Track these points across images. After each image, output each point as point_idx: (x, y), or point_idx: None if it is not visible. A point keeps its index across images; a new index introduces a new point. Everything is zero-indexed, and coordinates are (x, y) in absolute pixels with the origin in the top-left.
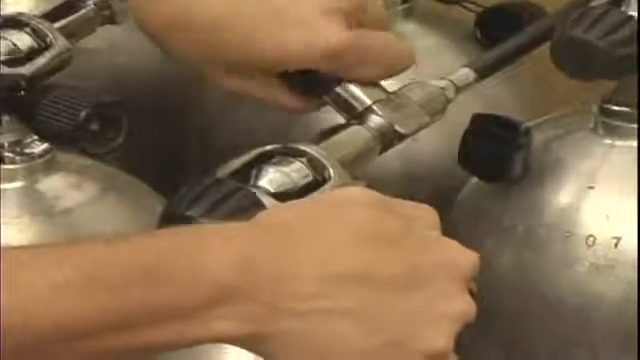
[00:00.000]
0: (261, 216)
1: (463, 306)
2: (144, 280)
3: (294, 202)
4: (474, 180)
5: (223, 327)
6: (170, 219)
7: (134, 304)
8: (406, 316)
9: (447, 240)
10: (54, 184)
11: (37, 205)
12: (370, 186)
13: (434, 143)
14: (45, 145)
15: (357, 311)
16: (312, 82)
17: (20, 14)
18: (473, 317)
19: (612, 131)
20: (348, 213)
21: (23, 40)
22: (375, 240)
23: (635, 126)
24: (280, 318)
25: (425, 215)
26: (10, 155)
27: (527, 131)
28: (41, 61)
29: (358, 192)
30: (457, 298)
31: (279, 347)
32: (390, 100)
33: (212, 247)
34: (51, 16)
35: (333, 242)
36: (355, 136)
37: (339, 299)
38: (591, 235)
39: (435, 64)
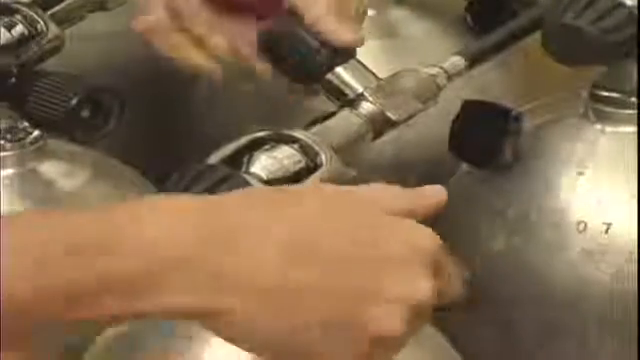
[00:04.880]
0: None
1: (421, 291)
2: (95, 249)
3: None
4: (465, 166)
5: (173, 300)
6: None
7: (83, 273)
8: (356, 295)
9: (407, 221)
10: (45, 171)
11: (28, 192)
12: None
13: (426, 129)
14: (36, 132)
15: (310, 286)
16: (303, 69)
17: (11, 1)
18: (430, 302)
19: (602, 117)
20: (304, 199)
21: (14, 27)
22: (328, 218)
23: (625, 111)
24: (231, 293)
25: (384, 196)
26: (1, 142)
27: (518, 117)
28: (32, 48)
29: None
30: (415, 281)
31: (228, 323)
32: (381, 87)
33: (165, 220)
34: (42, 3)
35: (289, 221)
36: (346, 122)
37: (291, 276)
38: (582, 221)
39: (426, 49)
